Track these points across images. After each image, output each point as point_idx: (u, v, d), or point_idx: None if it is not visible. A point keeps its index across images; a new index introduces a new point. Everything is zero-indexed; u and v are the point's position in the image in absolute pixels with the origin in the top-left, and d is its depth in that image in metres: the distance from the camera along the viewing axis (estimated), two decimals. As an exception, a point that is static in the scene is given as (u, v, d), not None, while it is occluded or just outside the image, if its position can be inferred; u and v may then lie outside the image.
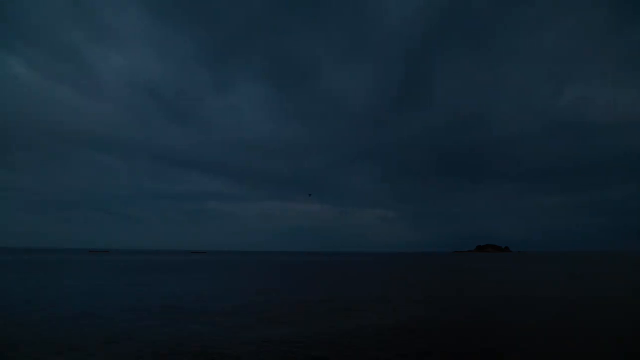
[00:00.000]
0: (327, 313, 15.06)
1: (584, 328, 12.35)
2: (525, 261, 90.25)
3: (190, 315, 14.32)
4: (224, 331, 11.56)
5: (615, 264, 65.97)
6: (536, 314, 15.02)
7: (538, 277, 36.15)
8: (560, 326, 12.55)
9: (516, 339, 10.77)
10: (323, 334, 11.22)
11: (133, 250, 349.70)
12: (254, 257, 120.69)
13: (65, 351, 9.27)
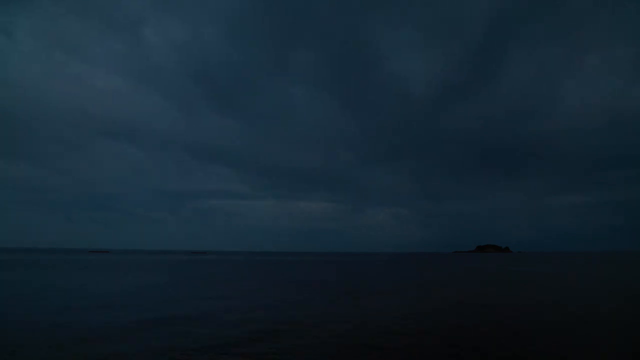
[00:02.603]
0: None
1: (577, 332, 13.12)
2: (531, 262, 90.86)
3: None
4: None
5: (621, 264, 66.55)
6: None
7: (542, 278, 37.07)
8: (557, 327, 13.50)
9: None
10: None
11: (134, 250, 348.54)
12: (272, 258, 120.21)
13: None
